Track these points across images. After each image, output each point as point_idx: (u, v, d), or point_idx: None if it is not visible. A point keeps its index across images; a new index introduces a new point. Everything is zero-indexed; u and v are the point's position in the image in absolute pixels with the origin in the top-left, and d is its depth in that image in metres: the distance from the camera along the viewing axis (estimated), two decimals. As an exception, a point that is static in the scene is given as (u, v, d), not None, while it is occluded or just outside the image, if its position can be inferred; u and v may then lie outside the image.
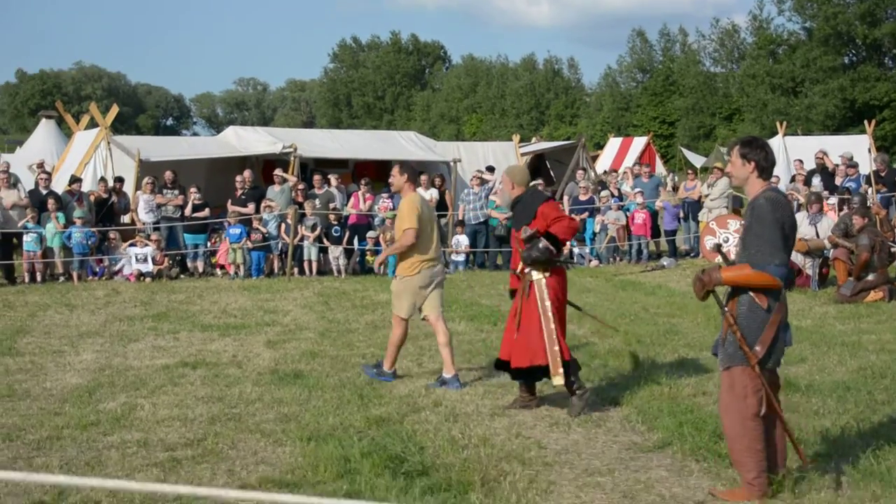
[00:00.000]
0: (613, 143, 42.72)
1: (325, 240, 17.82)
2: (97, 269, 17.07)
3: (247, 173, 18.75)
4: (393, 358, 8.81)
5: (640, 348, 9.93)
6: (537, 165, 24.81)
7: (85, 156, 19.58)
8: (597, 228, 19.82)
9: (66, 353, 10.08)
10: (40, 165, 20.18)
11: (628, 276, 17.46)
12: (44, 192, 17.28)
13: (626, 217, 19.81)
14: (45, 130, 27.14)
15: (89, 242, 16.84)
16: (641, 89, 70.56)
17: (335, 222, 17.92)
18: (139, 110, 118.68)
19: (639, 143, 41.68)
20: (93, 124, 21.10)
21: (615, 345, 10.27)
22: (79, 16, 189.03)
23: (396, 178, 8.82)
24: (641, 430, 7.04)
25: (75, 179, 17.90)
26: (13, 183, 17.77)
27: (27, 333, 11.34)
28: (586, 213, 19.71)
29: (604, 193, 20.25)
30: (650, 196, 20.23)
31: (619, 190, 21.04)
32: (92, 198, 17.64)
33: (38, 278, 16.52)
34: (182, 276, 17.57)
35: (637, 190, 20.29)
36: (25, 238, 16.57)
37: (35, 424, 7.16)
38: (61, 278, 16.69)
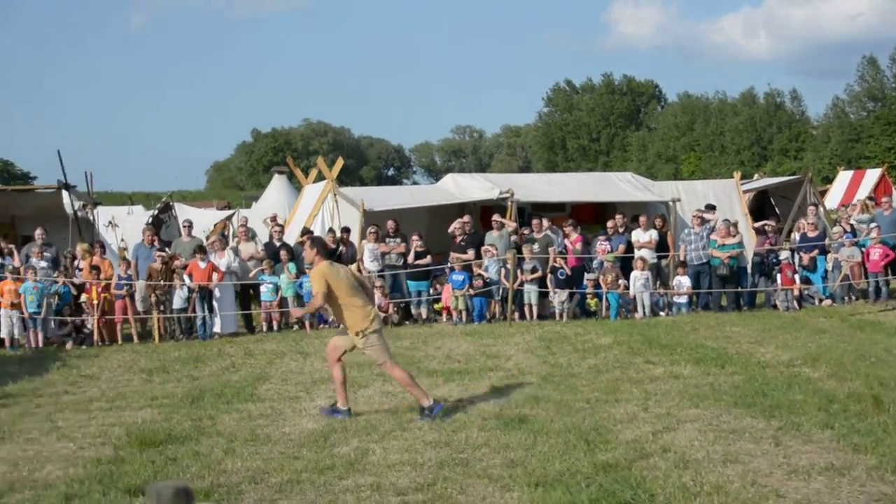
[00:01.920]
0: (843, 177, 40.72)
1: (548, 283, 17.86)
2: (328, 318, 17.80)
3: (466, 219, 19.10)
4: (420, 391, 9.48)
5: (883, 392, 9.34)
6: (761, 203, 23.99)
7: (314, 208, 20.55)
8: (829, 266, 18.90)
9: (302, 399, 10.54)
10: (273, 219, 21.31)
11: (866, 315, 16.52)
12: (277, 243, 18.25)
13: (861, 253, 18.78)
14: (277, 185, 28.75)
15: (319, 291, 17.59)
16: (873, 119, 67.05)
17: (560, 266, 17.91)
18: (362, 162, 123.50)
19: (872, 175, 39.53)
20: (320, 177, 22.14)
21: (855, 388, 9.72)
22: (306, 76, 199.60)
23: (307, 252, 10.01)
24: (891, 481, 6.60)
25: (306, 231, 18.81)
26: (251, 236, 18.91)
27: (266, 380, 11.94)
28: (815, 251, 18.84)
29: (836, 230, 19.29)
30: (888, 231, 19.09)
31: (851, 226, 20.00)
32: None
33: (275, 327, 17.43)
34: (406, 322, 18.04)
35: (874, 224, 19.23)
36: (262, 289, 17.53)
37: (276, 468, 7.51)
38: (295, 326, 17.51)
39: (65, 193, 18.73)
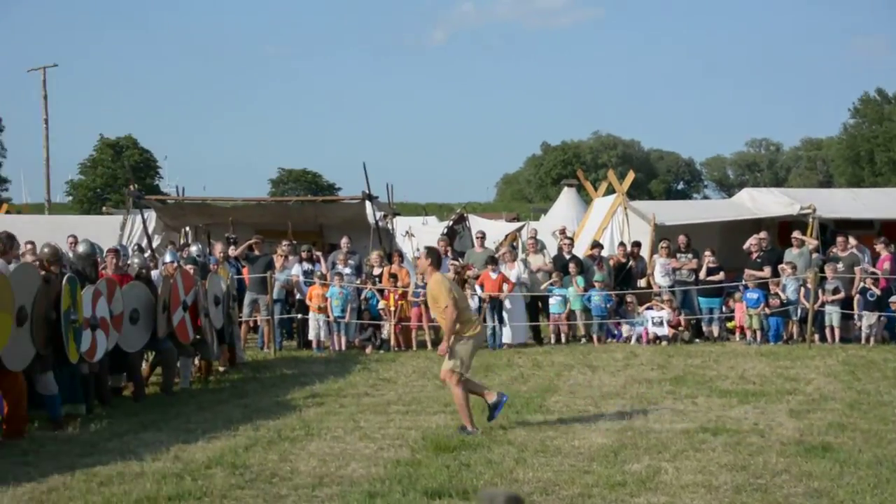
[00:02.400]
0: None
1: (854, 305, 16.80)
2: (615, 332, 17.68)
3: (763, 235, 18.35)
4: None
5: None
6: None
7: (603, 221, 20.48)
8: None
9: (591, 413, 10.50)
10: (562, 231, 21.41)
11: None
12: (567, 256, 18.34)
13: None
14: (566, 198, 28.88)
15: (608, 305, 17.52)
16: None
17: (869, 287, 16.79)
18: (651, 175, 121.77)
19: None
20: (610, 191, 22.03)
21: None
22: (595, 88, 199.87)
23: (421, 262, 9.88)
24: None
25: (596, 244, 18.79)
26: (540, 248, 19.12)
27: (555, 392, 12.00)
28: None
29: None
30: None
31: None
32: (612, 262, 18.35)
33: (563, 339, 17.52)
34: (697, 340, 17.57)
35: None
36: (551, 301, 17.67)
37: (567, 481, 7.51)
38: (583, 339, 17.52)
39: (368, 204, 19.75)
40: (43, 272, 10.03)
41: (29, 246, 14.26)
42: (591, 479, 7.55)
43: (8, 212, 27.96)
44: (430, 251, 10.09)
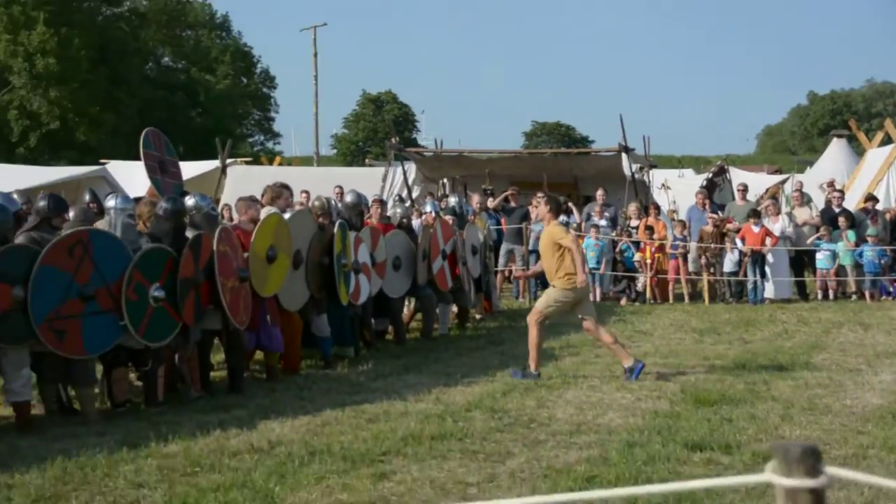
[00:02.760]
0: None
1: None
2: (891, 289, 16.59)
3: None
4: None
5: None
6: None
7: (878, 173, 19.24)
8: None
9: (864, 372, 9.91)
10: (830, 184, 20.26)
11: None
12: (836, 209, 17.33)
13: None
14: (836, 149, 27.29)
15: (882, 261, 16.44)
16: None
17: None
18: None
19: None
20: (886, 141, 20.60)
21: None
22: (869, 34, 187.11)
23: (541, 209, 9.88)
24: None
25: (870, 197, 17.65)
26: (806, 201, 18.18)
27: (822, 349, 11.43)
28: None
29: None
30: None
31: None
32: (887, 216, 17.20)
33: (831, 295, 16.64)
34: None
35: None
36: (818, 256, 16.79)
37: (838, 440, 7.12)
38: (853, 296, 16.57)
39: (624, 156, 19.46)
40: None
41: (304, 195, 15.03)
42: (866, 439, 7.12)
43: (280, 164, 29.67)
44: (551, 199, 10.10)
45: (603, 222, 17.33)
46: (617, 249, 17.04)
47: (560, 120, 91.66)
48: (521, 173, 21.18)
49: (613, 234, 17.26)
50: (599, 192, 18.05)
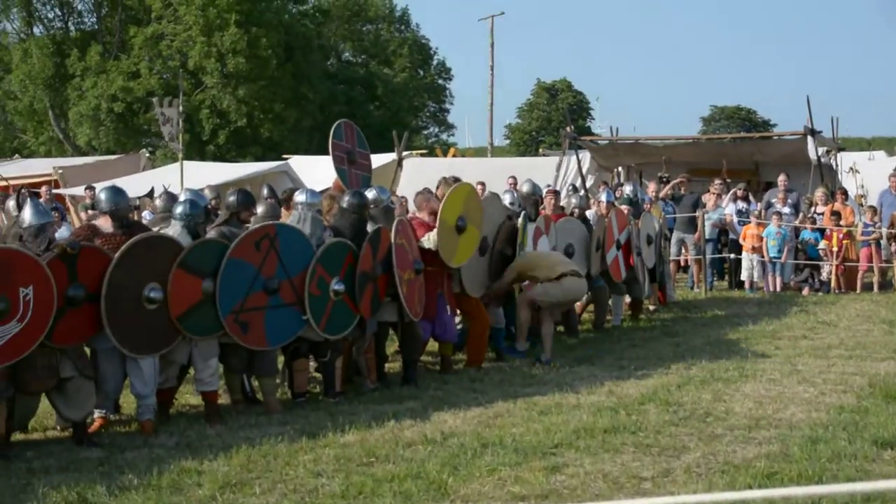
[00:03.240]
0: None
1: None
2: None
3: None
4: None
5: None
6: None
7: None
8: None
9: None
10: None
11: None
12: None
13: None
14: None
15: None
16: None
17: None
18: None
19: None
20: None
21: None
22: None
23: None
24: None
25: None
26: None
27: None
28: None
29: None
30: None
31: None
32: None
33: None
34: None
35: None
36: None
37: None
38: None
39: (809, 140, 18.70)
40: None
41: (479, 186, 15.13)
42: None
43: (454, 155, 30.01)
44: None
45: (785, 209, 16.69)
46: (800, 237, 16.39)
47: (740, 103, 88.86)
48: (699, 160, 20.66)
49: (796, 220, 16.61)
50: (781, 178, 17.38)
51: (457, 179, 11.11)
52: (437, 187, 11.16)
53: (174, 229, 8.12)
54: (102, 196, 7.98)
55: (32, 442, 7.53)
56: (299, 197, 8.93)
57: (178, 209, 8.23)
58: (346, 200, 9.14)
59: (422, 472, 6.35)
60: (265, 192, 11.25)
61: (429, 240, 9.60)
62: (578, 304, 13.02)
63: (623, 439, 7.07)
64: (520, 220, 10.69)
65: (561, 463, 6.56)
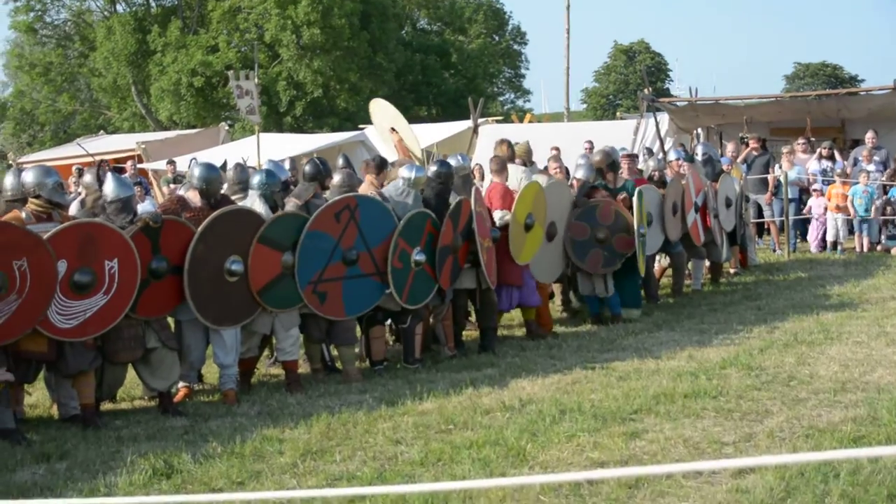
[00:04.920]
0: None
1: None
2: None
3: None
4: None
5: None
6: None
7: None
8: None
9: None
10: None
11: None
12: None
13: None
14: None
15: None
16: None
17: None
18: None
19: None
20: None
21: None
22: None
23: None
24: None
25: None
26: None
27: None
28: None
29: None
30: None
31: None
32: None
33: None
34: None
35: None
36: None
37: None
38: None
39: (899, 93, 18.08)
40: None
41: (554, 151, 14.97)
42: None
43: (530, 121, 29.79)
44: None
45: (872, 167, 16.20)
46: (888, 195, 15.91)
47: (826, 59, 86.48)
48: (781, 118, 20.14)
49: (884, 178, 16.12)
50: (869, 135, 16.85)
51: (504, 142, 10.93)
52: (495, 148, 11.05)
53: (251, 199, 8.22)
54: (196, 172, 8.09)
55: (120, 411, 7.73)
56: (405, 172, 8.95)
57: (256, 179, 8.32)
58: (432, 170, 9.16)
59: (500, 439, 6.36)
60: (340, 161, 11.32)
61: (502, 217, 9.57)
62: (657, 268, 12.88)
63: (704, 404, 6.99)
64: (634, 199, 10.57)
65: (640, 429, 6.51)
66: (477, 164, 14.38)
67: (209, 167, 8.15)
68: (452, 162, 9.52)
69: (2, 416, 6.82)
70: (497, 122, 26.57)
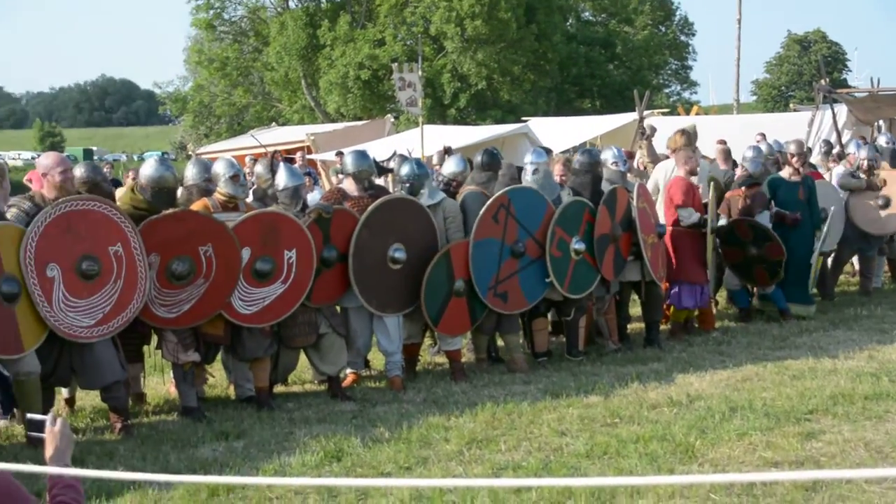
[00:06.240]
0: None
1: None
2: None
3: None
4: None
5: None
6: None
7: None
8: None
9: None
10: None
11: None
12: None
13: None
14: None
15: None
16: None
17: None
18: None
19: None
20: None
21: None
22: None
23: None
24: None
25: None
26: None
27: None
28: None
29: None
30: None
31: None
32: None
33: None
34: None
35: None
36: None
37: None
38: None
39: None
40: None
41: (720, 146, 14.57)
42: None
43: (697, 113, 29.11)
44: None
45: None
46: None
47: None
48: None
49: None
50: None
51: (684, 132, 10.63)
52: (669, 140, 10.78)
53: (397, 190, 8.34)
54: (348, 160, 8.27)
55: (292, 394, 7.96)
56: (528, 158, 8.94)
57: (405, 170, 8.40)
58: (577, 160, 9.09)
59: (668, 435, 6.24)
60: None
61: (689, 216, 9.36)
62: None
63: (886, 406, 6.69)
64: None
65: (817, 429, 6.28)
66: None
67: (359, 154, 8.33)
68: (608, 154, 9.40)
69: (187, 394, 7.18)
70: (663, 114, 26.12)
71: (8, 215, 6.63)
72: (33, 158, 44.78)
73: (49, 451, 3.34)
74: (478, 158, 8.84)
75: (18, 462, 4.24)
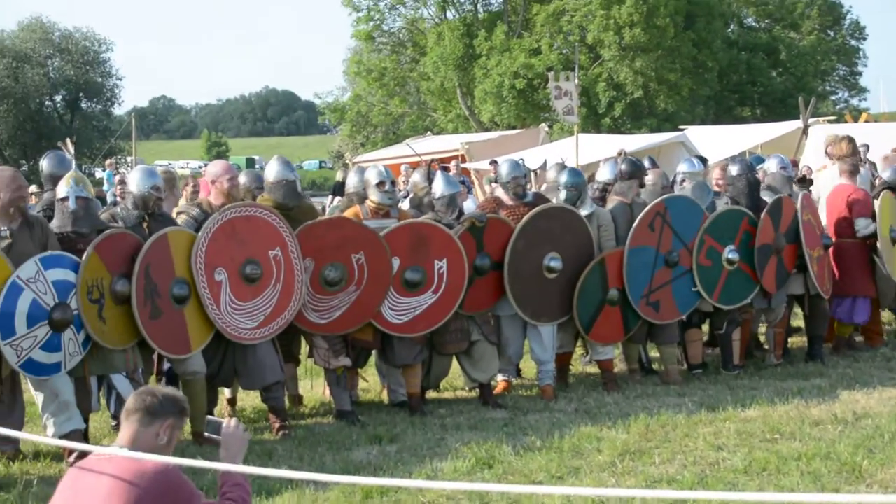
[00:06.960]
0: None
1: None
2: None
3: None
4: None
5: None
6: None
7: None
8: None
9: None
10: None
11: None
12: None
13: None
14: None
15: None
16: None
17: None
18: None
19: None
20: None
21: None
22: None
23: None
24: None
25: None
26: None
27: None
28: None
29: None
30: None
31: None
32: None
33: None
34: None
35: None
36: None
37: None
38: None
39: None
40: None
41: (892, 153, 13.92)
42: None
43: (867, 121, 27.91)
44: None
45: None
46: None
47: None
48: None
49: None
50: None
51: (845, 139, 10.15)
52: (830, 146, 10.32)
53: (557, 198, 8.27)
54: (503, 169, 8.29)
55: (444, 400, 8.03)
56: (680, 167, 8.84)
57: (564, 178, 8.34)
58: (733, 168, 8.85)
59: (832, 453, 6.01)
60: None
61: (866, 226, 8.99)
62: None
63: None
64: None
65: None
66: (805, 165, 13.68)
67: (513, 164, 8.33)
68: (773, 160, 9.14)
69: (340, 397, 7.34)
70: (829, 121, 25.14)
71: (178, 221, 6.97)
72: (200, 167, 46.70)
73: (227, 450, 3.49)
74: (622, 167, 8.68)
75: (185, 457, 4.42)
